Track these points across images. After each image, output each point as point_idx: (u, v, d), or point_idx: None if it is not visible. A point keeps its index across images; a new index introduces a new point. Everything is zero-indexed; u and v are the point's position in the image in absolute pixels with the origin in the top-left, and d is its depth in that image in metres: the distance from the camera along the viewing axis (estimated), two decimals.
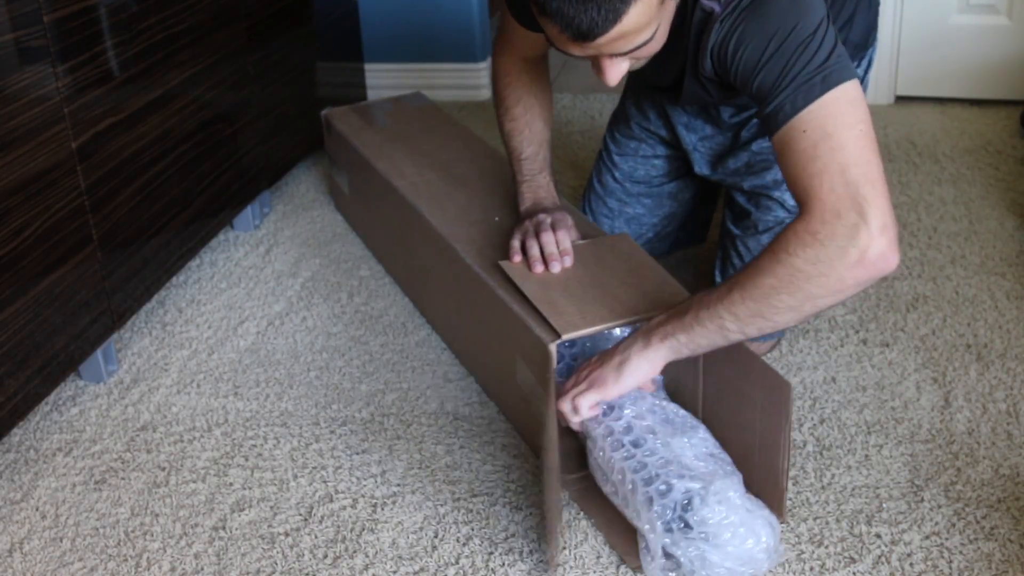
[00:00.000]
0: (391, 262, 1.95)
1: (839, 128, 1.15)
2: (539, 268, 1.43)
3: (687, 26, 1.33)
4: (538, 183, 1.59)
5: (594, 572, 1.25)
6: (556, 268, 1.43)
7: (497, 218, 1.63)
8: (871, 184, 1.13)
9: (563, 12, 1.13)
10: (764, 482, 1.28)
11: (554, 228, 1.47)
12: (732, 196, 1.69)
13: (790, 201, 1.60)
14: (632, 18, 1.14)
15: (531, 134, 1.61)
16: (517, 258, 1.46)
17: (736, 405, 1.30)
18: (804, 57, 1.18)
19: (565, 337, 1.29)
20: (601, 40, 1.15)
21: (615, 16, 1.13)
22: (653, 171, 1.79)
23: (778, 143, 1.19)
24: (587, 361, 1.31)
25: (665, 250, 1.88)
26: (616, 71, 1.23)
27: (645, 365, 1.24)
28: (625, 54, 1.20)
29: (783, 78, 1.19)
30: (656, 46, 1.23)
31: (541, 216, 1.50)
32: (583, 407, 1.26)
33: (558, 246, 1.45)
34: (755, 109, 1.63)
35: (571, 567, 1.26)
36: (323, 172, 2.44)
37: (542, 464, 1.34)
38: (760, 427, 1.27)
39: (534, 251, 1.44)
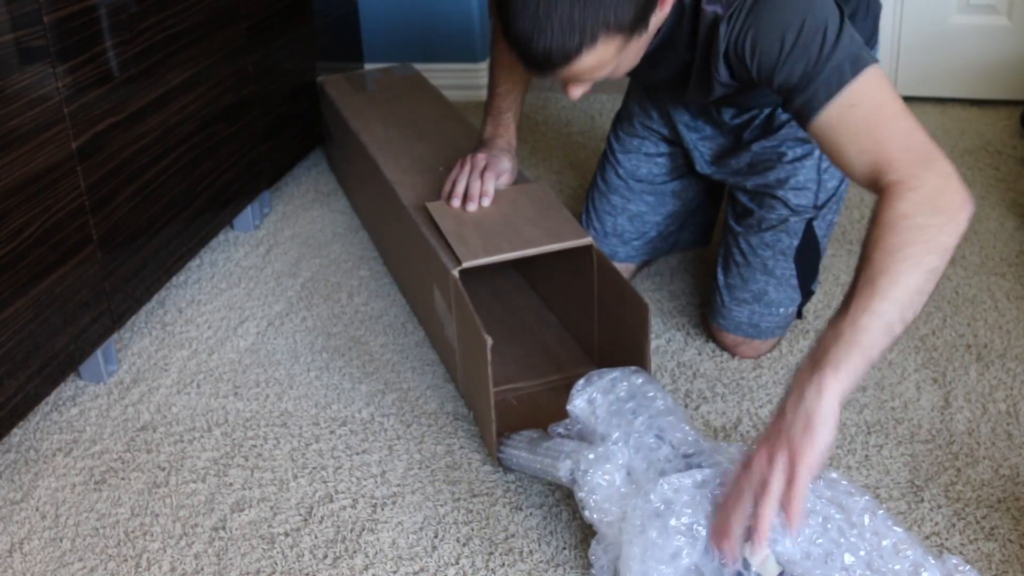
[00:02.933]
0: (365, 215, 2.13)
1: (887, 99, 1.18)
2: (456, 203, 1.61)
3: (686, 28, 1.33)
4: (500, 121, 1.72)
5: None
6: (471, 207, 1.60)
7: (441, 168, 1.80)
8: (929, 140, 1.17)
9: (520, 40, 1.15)
10: None
11: (485, 170, 1.63)
12: (734, 195, 1.69)
13: (793, 200, 1.60)
14: (587, 60, 1.16)
15: (513, 74, 1.72)
16: (445, 195, 1.64)
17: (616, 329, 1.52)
18: (826, 45, 1.19)
19: (465, 264, 1.44)
20: (556, 72, 1.18)
21: (566, 58, 1.15)
22: (656, 169, 1.79)
23: (823, 127, 1.20)
24: (744, 464, 1.07)
25: (667, 249, 1.88)
26: (577, 91, 1.25)
27: (834, 408, 1.04)
28: (586, 81, 1.22)
29: (810, 68, 1.20)
30: (623, 71, 1.25)
31: (480, 156, 1.66)
32: (798, 504, 1.02)
33: (482, 187, 1.61)
34: (755, 111, 1.63)
35: (571, 567, 1.26)
36: (323, 172, 2.45)
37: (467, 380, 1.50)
38: (629, 344, 1.48)
39: (458, 188, 1.62)
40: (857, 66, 1.19)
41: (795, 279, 1.62)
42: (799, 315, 1.68)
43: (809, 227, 1.61)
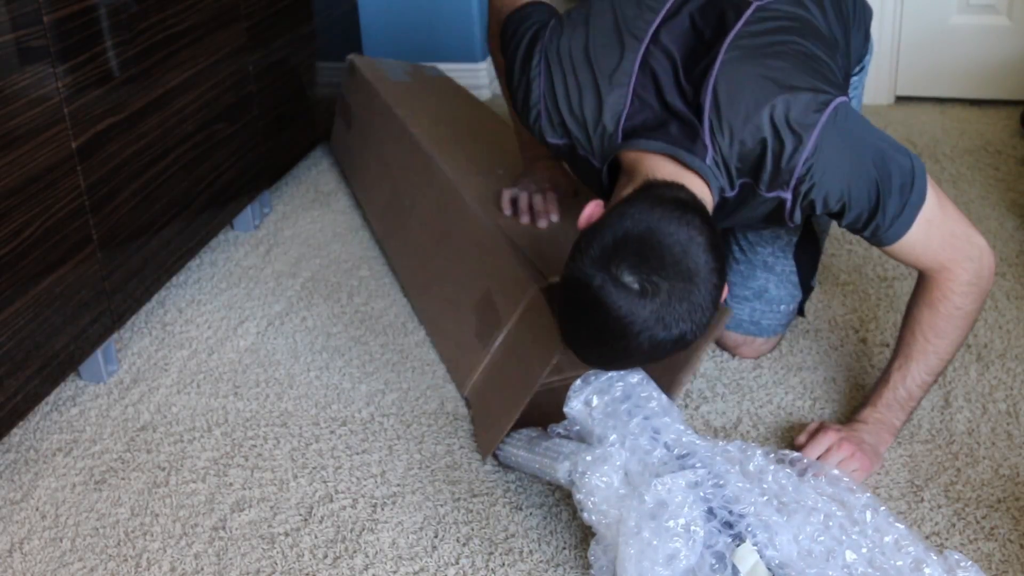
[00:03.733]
0: (378, 204, 2.10)
1: (935, 210, 1.32)
2: (525, 220, 1.64)
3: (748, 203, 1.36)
4: (536, 167, 1.74)
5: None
6: (542, 224, 1.64)
7: (500, 171, 1.80)
8: (966, 226, 1.35)
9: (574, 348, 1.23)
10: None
11: (547, 188, 1.68)
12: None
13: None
14: None
15: None
16: (506, 206, 1.67)
17: None
18: (884, 181, 1.28)
19: (552, 280, 1.44)
20: None
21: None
22: None
23: (895, 251, 1.34)
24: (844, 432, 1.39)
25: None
26: None
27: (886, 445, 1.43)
28: None
29: (877, 205, 1.29)
30: None
31: (540, 171, 1.71)
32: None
33: (545, 204, 1.66)
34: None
35: (571, 567, 1.26)
36: (323, 172, 2.44)
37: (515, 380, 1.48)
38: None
39: (522, 204, 1.66)
40: (915, 194, 1.29)
41: (795, 275, 1.62)
42: (801, 312, 1.68)
43: (808, 223, 1.61)
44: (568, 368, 1.57)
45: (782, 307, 1.63)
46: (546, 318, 1.38)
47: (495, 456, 1.41)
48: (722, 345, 1.67)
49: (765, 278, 1.61)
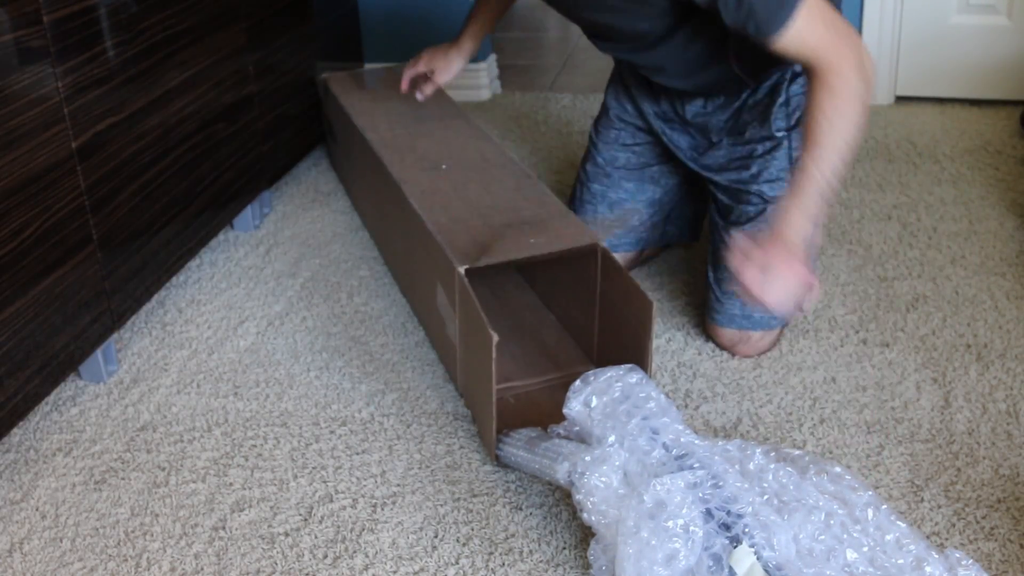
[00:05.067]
0: (366, 213, 2.16)
1: (816, 1, 1.37)
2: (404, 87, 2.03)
3: None
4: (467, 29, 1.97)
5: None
6: (418, 97, 2.02)
7: (444, 166, 1.85)
8: (844, 21, 1.40)
9: None
10: None
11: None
12: (713, 191, 1.73)
13: (768, 192, 1.65)
14: None
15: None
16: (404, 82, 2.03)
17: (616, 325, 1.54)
18: None
19: (480, 262, 1.46)
20: None
21: None
22: (633, 158, 1.84)
23: (786, 44, 1.38)
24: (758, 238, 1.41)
25: (654, 241, 1.91)
26: None
27: (799, 237, 1.39)
28: None
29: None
30: None
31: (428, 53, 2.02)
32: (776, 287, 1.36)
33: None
34: (718, 101, 1.71)
35: (571, 567, 1.26)
36: (323, 172, 2.45)
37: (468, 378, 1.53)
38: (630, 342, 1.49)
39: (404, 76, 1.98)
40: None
41: None
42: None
43: None
44: (528, 374, 1.60)
45: None
46: (477, 301, 1.41)
47: (496, 456, 1.41)
48: (720, 345, 1.68)
49: None
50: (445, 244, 1.53)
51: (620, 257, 1.86)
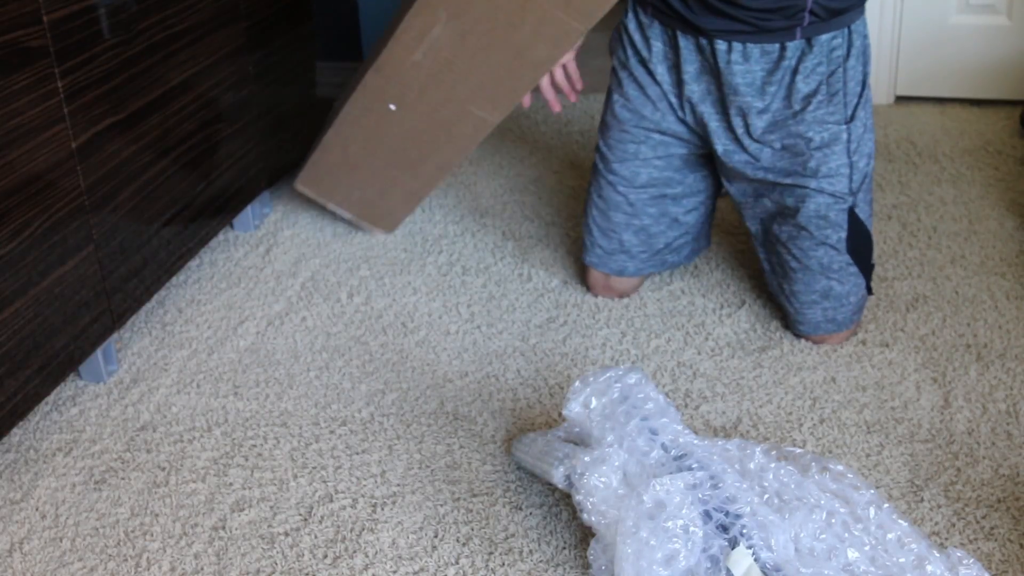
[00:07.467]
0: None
1: None
2: (557, 107, 1.84)
3: None
4: None
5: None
6: (573, 98, 1.82)
7: (392, 106, 1.90)
8: None
9: None
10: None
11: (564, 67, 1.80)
12: (765, 202, 1.67)
13: (829, 188, 1.59)
14: None
15: None
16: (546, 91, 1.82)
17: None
18: None
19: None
20: None
21: None
22: (656, 172, 1.73)
23: None
24: None
25: (678, 263, 1.87)
26: None
27: None
28: None
29: None
30: None
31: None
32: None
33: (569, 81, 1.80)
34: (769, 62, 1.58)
35: (571, 567, 1.26)
36: None
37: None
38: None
39: (547, 84, 1.79)
40: None
41: (853, 267, 1.63)
42: (869, 291, 1.69)
43: (852, 214, 1.61)
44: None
45: (852, 299, 1.65)
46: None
47: (512, 458, 1.42)
48: (809, 339, 1.69)
49: (827, 279, 1.63)
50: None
51: (636, 279, 1.84)
